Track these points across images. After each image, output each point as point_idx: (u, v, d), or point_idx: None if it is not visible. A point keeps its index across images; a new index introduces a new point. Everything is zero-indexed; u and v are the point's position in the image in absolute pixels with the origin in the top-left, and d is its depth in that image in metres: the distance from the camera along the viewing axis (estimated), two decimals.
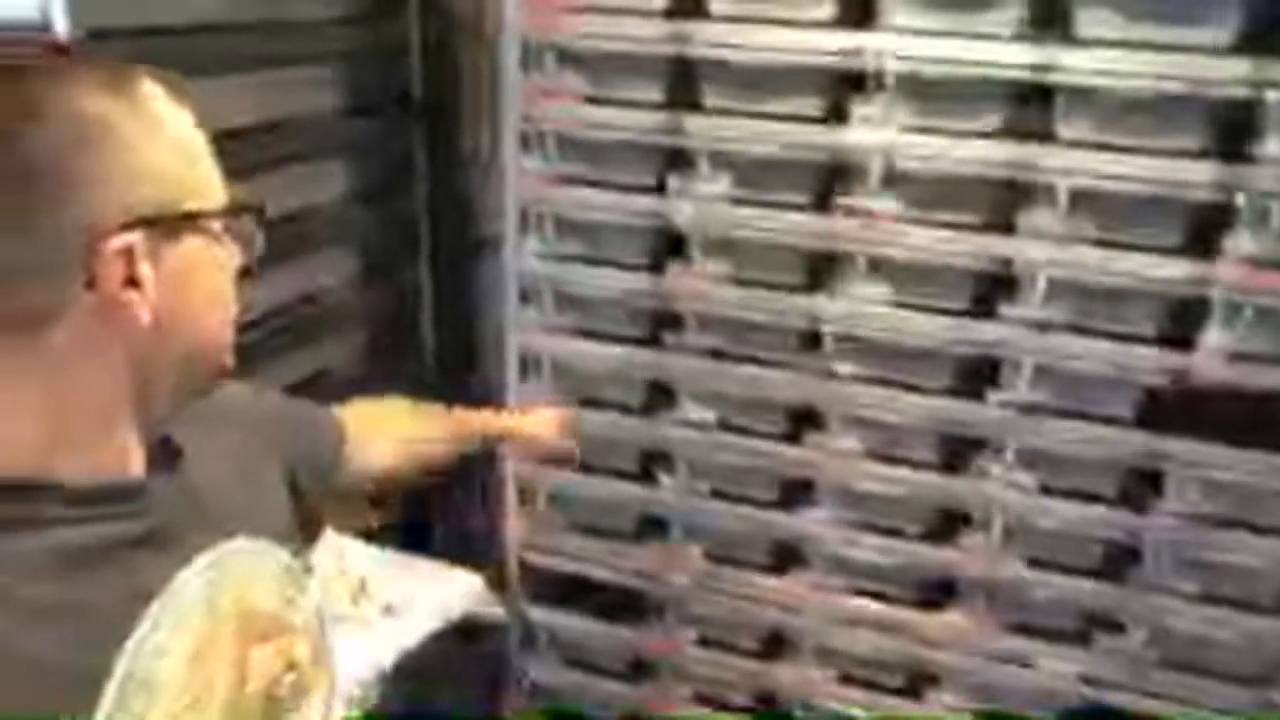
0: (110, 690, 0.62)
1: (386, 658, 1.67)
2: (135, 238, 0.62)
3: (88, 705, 0.61)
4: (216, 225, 0.68)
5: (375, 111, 2.12)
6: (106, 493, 0.66)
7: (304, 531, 0.90)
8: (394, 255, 2.24)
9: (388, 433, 1.18)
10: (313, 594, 0.83)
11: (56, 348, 0.62)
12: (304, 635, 0.79)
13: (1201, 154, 1.33)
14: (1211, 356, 1.38)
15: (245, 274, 0.73)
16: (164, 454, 0.72)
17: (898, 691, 1.69)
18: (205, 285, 0.68)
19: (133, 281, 0.62)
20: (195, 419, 0.75)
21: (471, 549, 1.92)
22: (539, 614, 1.89)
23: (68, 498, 0.64)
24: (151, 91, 0.66)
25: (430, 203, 2.21)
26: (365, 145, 2.13)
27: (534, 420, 1.48)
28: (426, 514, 2.14)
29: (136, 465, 0.69)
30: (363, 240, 2.18)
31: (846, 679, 1.71)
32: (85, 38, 1.36)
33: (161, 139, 0.65)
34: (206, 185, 0.68)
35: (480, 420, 1.44)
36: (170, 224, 0.64)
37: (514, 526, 1.85)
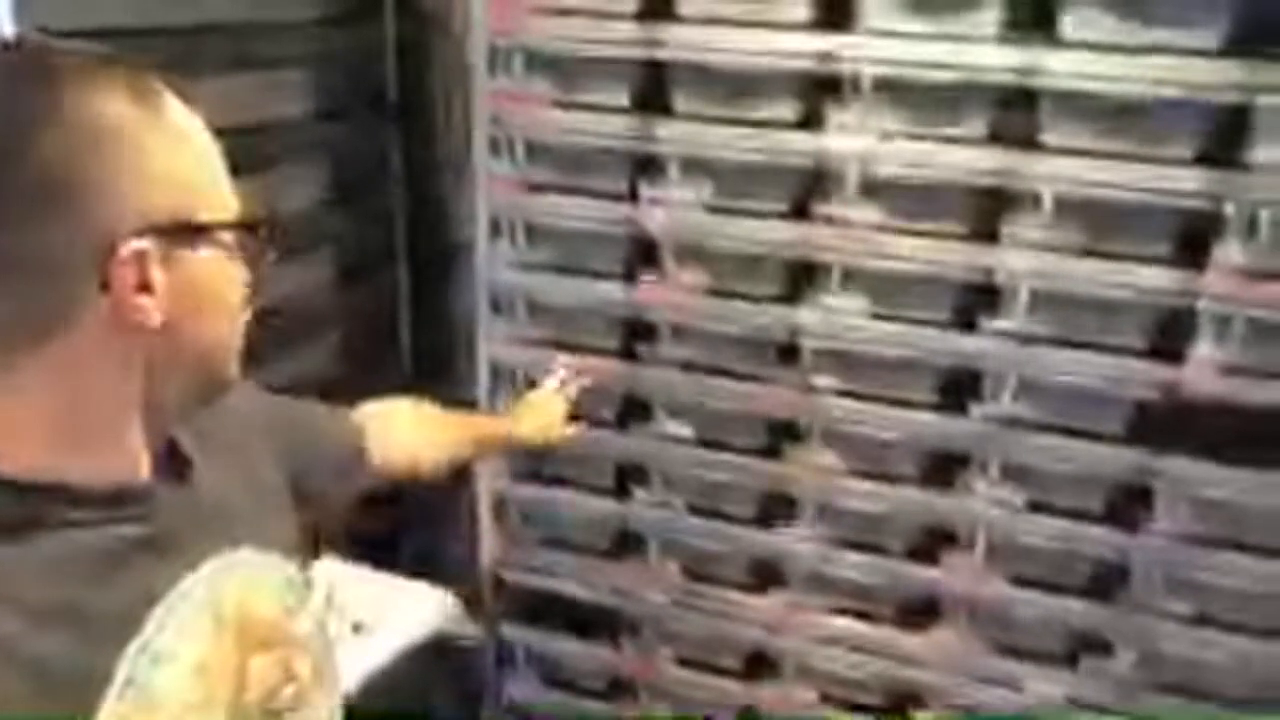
0: (111, 693, 0.62)
1: (354, 677, 1.63)
2: (149, 244, 0.62)
3: (88, 708, 0.62)
4: (229, 237, 0.68)
5: (350, 114, 2.08)
6: (114, 496, 0.67)
7: (311, 539, 0.90)
8: (370, 259, 2.21)
9: (405, 435, 1.20)
10: (316, 609, 0.83)
11: (68, 350, 0.63)
12: (305, 649, 0.79)
13: (1190, 161, 1.28)
14: (1202, 369, 1.34)
15: (254, 286, 0.73)
16: (172, 462, 0.73)
17: (880, 712, 1.65)
18: (216, 294, 0.68)
19: (145, 287, 0.63)
20: (205, 430, 0.77)
21: (442, 564, 1.88)
22: (515, 632, 1.85)
23: (75, 500, 0.64)
24: (170, 101, 0.66)
25: (406, 207, 2.18)
26: (340, 148, 2.09)
27: (541, 427, 1.46)
28: (394, 528, 2.10)
29: (144, 470, 0.70)
30: (338, 244, 2.14)
31: (827, 699, 1.66)
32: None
33: (179, 148, 0.65)
34: (221, 197, 0.69)
35: (493, 428, 1.48)
36: (185, 232, 0.65)
37: (487, 542, 1.80)
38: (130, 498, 0.68)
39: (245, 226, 0.69)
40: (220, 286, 0.69)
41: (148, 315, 0.63)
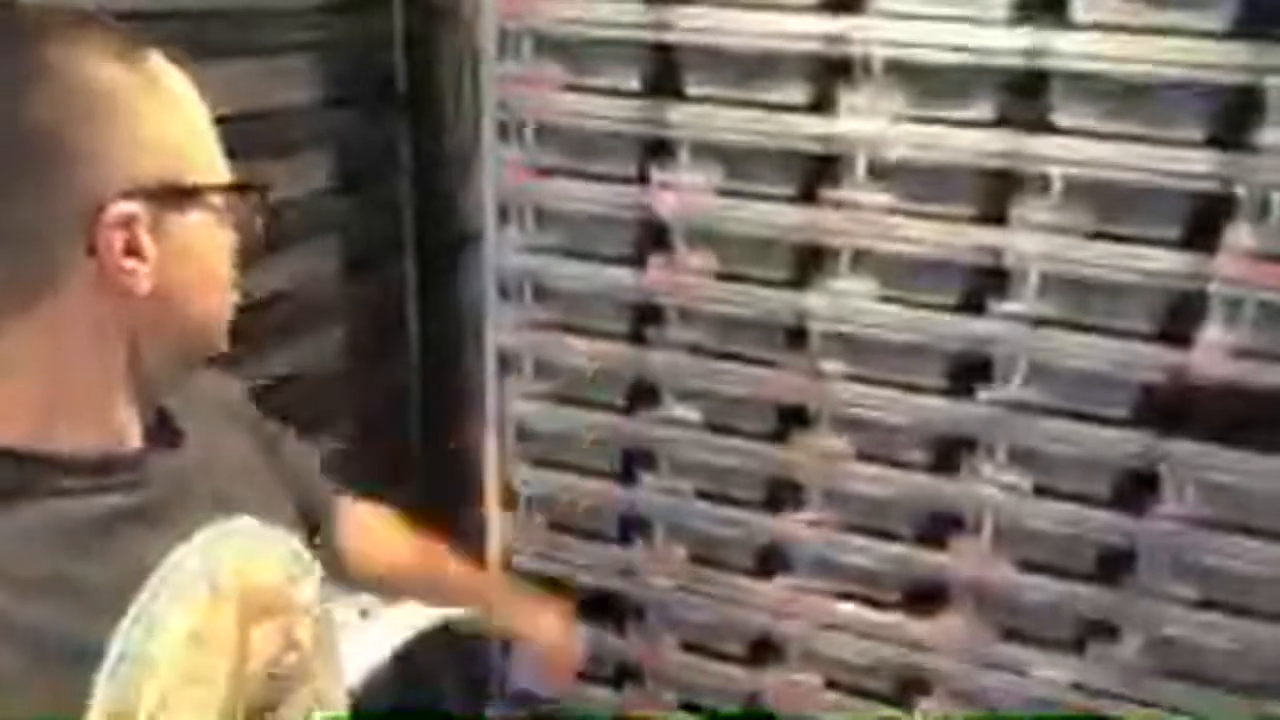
0: (106, 665, 0.62)
1: (360, 664, 1.63)
2: (137, 207, 0.62)
3: (84, 679, 0.61)
4: (219, 202, 0.68)
5: (357, 103, 2.08)
6: (103, 464, 0.66)
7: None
8: (377, 248, 2.21)
9: (377, 539, 1.13)
10: (317, 579, 0.82)
11: (56, 315, 0.62)
12: (307, 617, 0.79)
13: (1201, 143, 1.28)
14: (1211, 353, 1.34)
15: (248, 255, 0.73)
16: (164, 432, 0.73)
17: (886, 697, 1.64)
18: (205, 260, 0.68)
19: (133, 251, 0.62)
20: (194, 400, 0.76)
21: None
22: None
23: (65, 468, 0.64)
24: (161, 64, 0.66)
25: (414, 195, 2.17)
26: (347, 137, 2.09)
27: (539, 629, 1.33)
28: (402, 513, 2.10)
29: (134, 438, 0.69)
30: (345, 233, 2.14)
31: (833, 684, 1.66)
32: None
33: (170, 112, 0.65)
34: (211, 162, 0.68)
35: (478, 584, 1.34)
36: (174, 196, 0.64)
37: (495, 527, 1.80)
38: (119, 466, 0.67)
39: (235, 189, 0.69)
40: (209, 252, 0.68)
41: (137, 280, 0.63)
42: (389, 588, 1.21)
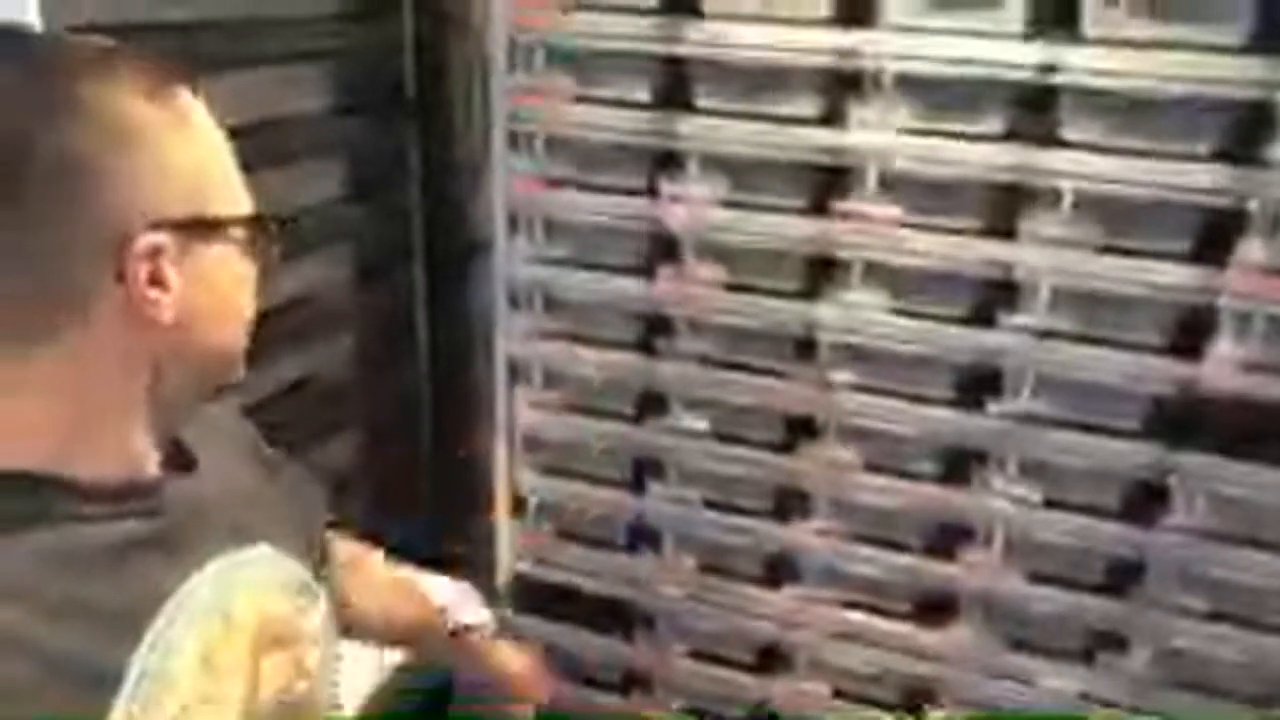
0: (125, 689, 0.63)
1: (369, 668, 1.64)
2: (164, 238, 0.63)
3: (101, 705, 0.62)
4: (241, 234, 0.69)
5: (368, 110, 2.08)
6: (121, 490, 0.67)
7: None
8: (387, 257, 2.21)
9: (375, 591, 1.10)
10: (324, 607, 0.83)
11: (83, 341, 0.63)
12: (315, 646, 0.80)
13: (1212, 157, 1.28)
14: (1221, 366, 1.34)
15: (261, 283, 0.74)
16: (178, 459, 0.73)
17: (894, 708, 1.65)
18: (226, 291, 0.69)
19: (158, 281, 0.63)
20: (207, 429, 0.77)
21: (458, 556, 1.88)
22: (530, 624, 1.85)
23: (82, 493, 0.65)
24: (189, 100, 0.67)
25: (424, 204, 2.18)
26: (357, 145, 2.10)
27: (512, 675, 1.26)
28: (411, 520, 2.10)
29: (151, 466, 0.70)
30: (355, 241, 2.15)
31: (840, 694, 1.67)
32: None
33: (196, 146, 0.66)
34: (234, 194, 0.70)
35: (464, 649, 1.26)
36: (199, 228, 0.66)
37: (504, 535, 1.81)
38: (137, 493, 0.68)
39: (258, 222, 0.70)
40: (230, 283, 0.70)
41: (160, 310, 0.64)
42: (377, 639, 1.18)
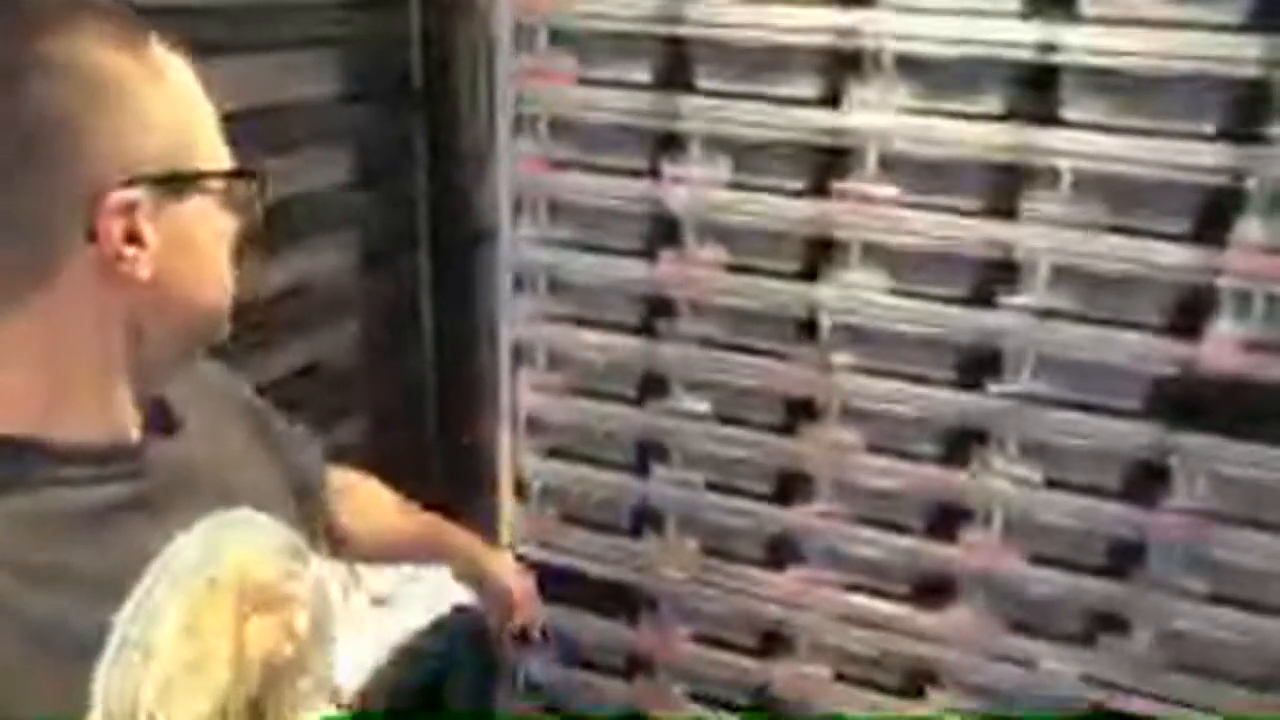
0: (107, 653, 0.62)
1: (374, 652, 1.65)
2: (139, 194, 0.61)
3: (85, 667, 0.61)
4: (220, 188, 0.68)
5: (374, 98, 2.09)
6: (102, 453, 0.66)
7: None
8: (393, 243, 2.22)
9: (371, 515, 1.17)
10: (314, 569, 0.83)
11: (57, 303, 0.62)
12: (304, 609, 0.79)
13: (1212, 136, 1.28)
14: (1221, 346, 1.34)
15: (248, 244, 0.72)
16: (163, 421, 0.72)
17: (895, 690, 1.65)
18: (205, 248, 0.68)
19: (134, 238, 0.62)
20: (194, 390, 0.76)
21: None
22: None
23: (63, 457, 0.64)
24: (161, 52, 0.66)
25: (430, 190, 2.19)
26: (364, 131, 2.11)
27: (508, 576, 1.42)
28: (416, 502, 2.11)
29: (133, 428, 0.69)
30: (361, 227, 2.16)
31: (842, 677, 1.67)
32: None
33: (171, 99, 0.64)
34: (212, 148, 0.68)
35: (461, 548, 1.38)
36: (175, 183, 0.64)
37: (507, 518, 1.82)
38: (120, 455, 0.67)
39: (235, 175, 0.69)
40: (209, 239, 0.68)
41: (137, 267, 0.62)
42: (381, 559, 1.24)
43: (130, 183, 0.61)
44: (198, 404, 0.77)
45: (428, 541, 1.30)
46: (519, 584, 1.44)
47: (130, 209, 0.61)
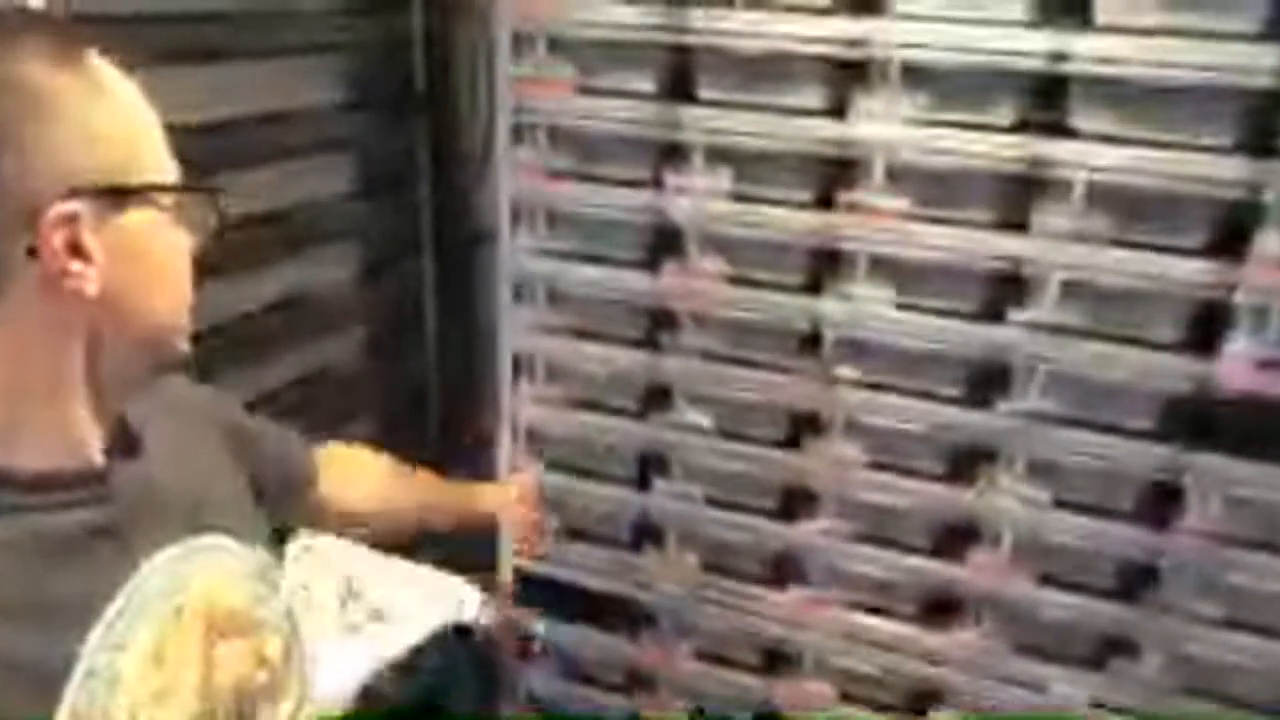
0: (73, 684, 0.61)
1: (372, 665, 1.63)
2: (79, 206, 0.60)
3: (51, 700, 0.60)
4: (167, 201, 0.66)
5: (377, 104, 2.08)
6: (65, 479, 0.64)
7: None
8: (395, 250, 2.21)
9: (365, 485, 1.18)
10: (285, 594, 0.82)
11: (6, 323, 0.61)
12: (275, 633, 0.78)
13: (1227, 148, 1.24)
14: (1237, 364, 1.30)
15: (202, 253, 0.70)
16: (124, 442, 0.70)
17: (899, 711, 1.61)
18: (156, 261, 0.66)
19: (79, 253, 0.61)
20: (158, 411, 0.74)
21: (462, 553, 1.87)
22: (534, 622, 1.83)
23: (23, 484, 0.62)
24: (100, 65, 0.64)
25: (432, 197, 2.18)
26: (367, 138, 2.10)
27: (511, 500, 1.50)
28: None
29: (95, 451, 0.67)
30: (364, 235, 2.15)
31: (846, 696, 1.64)
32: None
33: (107, 110, 0.63)
34: (154, 159, 0.66)
35: (458, 497, 1.44)
36: (116, 196, 0.62)
37: (507, 529, 1.79)
38: (81, 481, 0.66)
39: (180, 189, 0.67)
40: (159, 252, 0.66)
41: (84, 282, 0.61)
42: (384, 525, 1.23)
43: (69, 196, 0.60)
44: (161, 421, 0.75)
45: (425, 499, 1.31)
46: (523, 502, 1.51)
47: (70, 221, 0.60)
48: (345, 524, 1.14)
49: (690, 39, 1.43)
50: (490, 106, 1.74)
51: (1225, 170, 1.24)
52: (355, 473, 1.17)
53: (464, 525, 1.45)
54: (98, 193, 0.62)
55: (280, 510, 0.97)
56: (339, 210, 2.05)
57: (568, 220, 1.59)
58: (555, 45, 1.50)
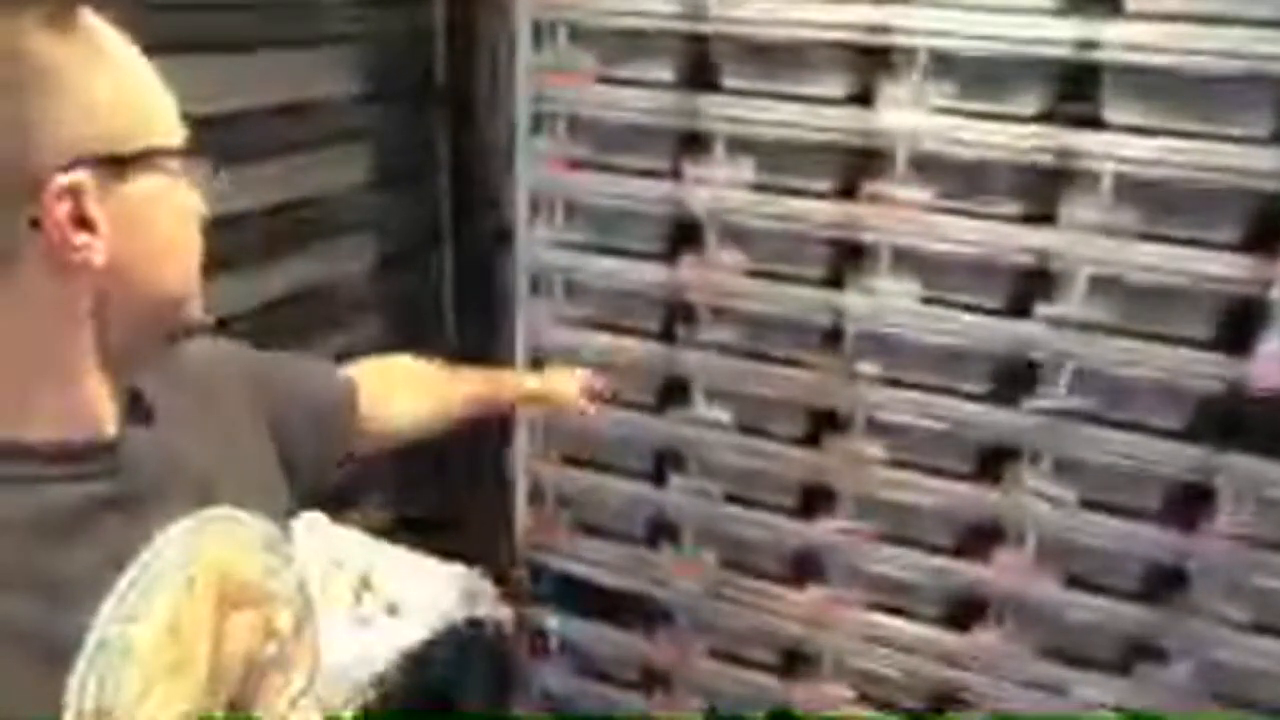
0: (84, 655, 0.60)
1: (385, 658, 1.62)
2: (82, 176, 0.59)
3: (62, 671, 0.60)
4: (174, 164, 0.64)
5: (398, 96, 2.07)
6: (77, 451, 0.64)
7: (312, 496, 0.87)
8: (415, 241, 2.20)
9: (408, 392, 1.16)
10: (297, 566, 0.81)
11: (14, 296, 0.60)
12: (287, 606, 0.77)
13: (1263, 139, 1.21)
14: (1269, 362, 1.26)
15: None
16: (137, 413, 0.70)
17: (920, 714, 1.59)
18: (164, 228, 0.65)
19: (84, 224, 0.59)
20: (172, 380, 0.73)
21: (477, 548, 1.86)
22: (548, 618, 1.82)
23: (36, 457, 0.62)
24: (96, 27, 0.62)
25: (452, 189, 2.17)
26: (387, 130, 2.09)
27: (557, 381, 1.44)
28: (431, 509, 2.09)
29: (109, 423, 0.66)
30: (384, 226, 2.14)
31: (865, 698, 1.61)
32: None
33: (106, 76, 0.61)
34: (159, 122, 0.65)
35: (503, 384, 1.43)
36: (118, 162, 0.61)
37: (523, 526, 1.78)
38: (94, 453, 0.65)
39: (186, 152, 0.66)
40: (167, 219, 0.65)
41: (90, 254, 0.60)
42: (426, 432, 1.21)
43: (72, 166, 0.59)
44: (176, 390, 0.74)
45: (471, 390, 1.29)
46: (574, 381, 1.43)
47: (73, 192, 0.59)
48: (402, 433, 1.11)
49: (711, 27, 1.41)
50: (510, 98, 1.72)
51: (1260, 161, 1.21)
52: (398, 380, 1.15)
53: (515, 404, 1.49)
54: (100, 162, 0.60)
55: (325, 441, 0.95)
56: (357, 202, 2.05)
57: (585, 212, 1.58)
58: (576, 35, 1.48)
